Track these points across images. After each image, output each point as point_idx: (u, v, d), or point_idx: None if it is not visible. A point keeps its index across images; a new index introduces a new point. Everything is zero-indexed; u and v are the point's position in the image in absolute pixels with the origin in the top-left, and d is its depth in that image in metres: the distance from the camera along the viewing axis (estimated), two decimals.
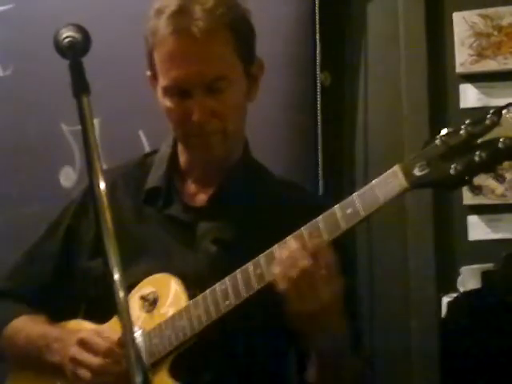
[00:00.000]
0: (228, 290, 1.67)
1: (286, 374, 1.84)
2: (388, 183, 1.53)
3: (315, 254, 1.57)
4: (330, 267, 1.57)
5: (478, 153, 1.46)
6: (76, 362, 1.74)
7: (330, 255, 1.58)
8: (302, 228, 1.62)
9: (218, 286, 1.68)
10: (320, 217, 1.61)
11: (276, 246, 1.64)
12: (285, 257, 1.59)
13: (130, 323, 1.40)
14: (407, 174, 1.52)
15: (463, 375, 2.38)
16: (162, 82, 1.79)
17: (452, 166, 1.48)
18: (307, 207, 1.78)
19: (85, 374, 1.73)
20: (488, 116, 1.46)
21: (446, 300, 2.56)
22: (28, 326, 1.90)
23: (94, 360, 1.72)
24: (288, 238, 1.62)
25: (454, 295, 2.57)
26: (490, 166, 1.46)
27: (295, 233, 1.62)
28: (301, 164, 2.63)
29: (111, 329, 1.73)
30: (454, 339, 2.44)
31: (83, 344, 1.74)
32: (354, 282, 1.91)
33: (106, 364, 1.71)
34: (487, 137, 1.46)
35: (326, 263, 1.57)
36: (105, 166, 1.44)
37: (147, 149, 2.68)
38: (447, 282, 2.65)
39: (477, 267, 2.55)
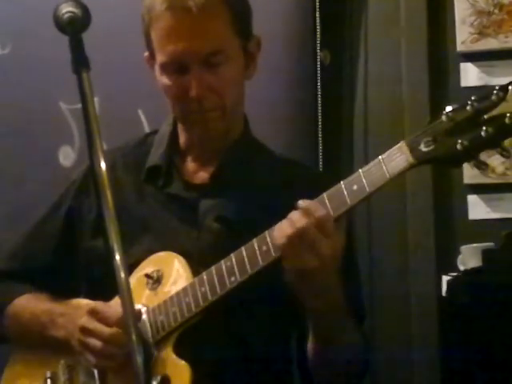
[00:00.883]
0: (234, 267, 1.67)
1: (289, 356, 1.84)
2: (394, 159, 1.53)
3: (311, 213, 1.57)
4: (326, 226, 1.56)
5: (484, 128, 1.45)
6: (86, 331, 1.73)
7: (328, 215, 1.57)
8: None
9: (223, 263, 1.68)
10: (325, 193, 1.60)
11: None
12: (284, 220, 1.60)
13: (131, 303, 1.40)
14: (413, 149, 1.51)
15: (463, 354, 2.39)
16: (160, 58, 1.79)
17: (458, 141, 1.47)
18: (309, 184, 1.78)
19: (95, 343, 1.72)
20: (494, 92, 1.45)
21: (446, 279, 2.56)
22: (32, 304, 1.90)
23: (106, 329, 1.71)
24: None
25: (454, 274, 2.58)
26: (497, 141, 1.46)
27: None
28: (300, 142, 2.63)
29: (116, 305, 1.73)
30: (454, 318, 2.44)
31: (94, 313, 1.74)
32: (354, 261, 1.91)
33: (117, 334, 1.70)
34: (494, 112, 1.45)
35: (323, 222, 1.56)
36: (104, 146, 1.43)
37: (146, 128, 2.68)
38: (447, 260, 2.66)
39: (477, 246, 2.56)
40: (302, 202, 1.58)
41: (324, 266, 1.57)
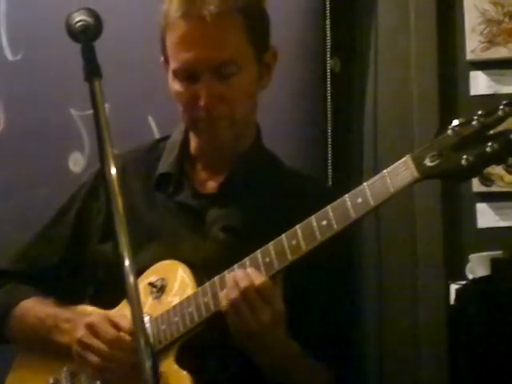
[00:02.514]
0: None
1: None
2: (399, 173, 1.53)
3: (256, 280, 1.63)
4: (266, 293, 1.63)
5: (490, 144, 1.45)
6: (83, 345, 1.75)
7: (267, 282, 1.63)
8: (313, 216, 1.62)
9: (226, 273, 1.69)
10: (329, 206, 1.61)
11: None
12: (229, 281, 1.65)
13: (139, 308, 1.40)
14: (418, 164, 1.52)
15: (471, 362, 2.38)
16: (172, 64, 1.80)
17: (464, 156, 1.48)
18: (316, 196, 1.79)
19: (93, 358, 1.73)
20: (500, 107, 1.46)
21: (454, 287, 2.56)
22: (37, 307, 1.91)
23: (103, 346, 1.72)
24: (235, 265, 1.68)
25: (463, 283, 2.57)
26: (502, 157, 1.46)
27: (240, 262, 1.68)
28: (310, 149, 2.63)
29: (121, 315, 1.73)
30: (463, 326, 2.44)
31: (91, 328, 1.74)
32: (344, 286, 1.91)
33: (113, 352, 1.71)
34: (500, 128, 1.45)
35: (263, 289, 1.63)
36: (115, 152, 1.44)
37: (156, 134, 2.68)
38: (456, 269, 2.65)
39: (485, 255, 2.55)
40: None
41: (264, 331, 1.63)
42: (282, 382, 1.75)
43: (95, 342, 1.73)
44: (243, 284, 1.63)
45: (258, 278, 1.63)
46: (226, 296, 1.64)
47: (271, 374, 1.73)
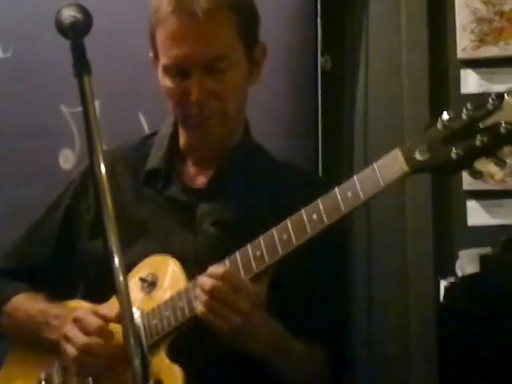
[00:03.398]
0: None
1: None
2: (389, 167, 1.53)
3: (214, 276, 1.63)
4: (233, 282, 1.63)
5: (479, 137, 1.46)
6: (66, 338, 1.75)
7: (229, 271, 1.64)
8: (303, 210, 1.62)
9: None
10: (320, 199, 1.61)
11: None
12: (197, 292, 1.65)
13: (129, 304, 1.41)
14: (408, 157, 1.52)
15: (460, 359, 2.39)
16: (163, 60, 1.80)
17: (453, 150, 1.48)
18: (307, 189, 1.79)
19: (71, 350, 1.74)
20: (490, 101, 1.46)
21: (444, 284, 2.56)
22: (28, 303, 1.91)
23: (81, 338, 1.72)
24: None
25: (452, 279, 2.58)
26: (492, 150, 1.47)
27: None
28: (300, 148, 2.63)
29: (109, 308, 1.73)
30: (452, 323, 2.44)
31: (76, 321, 1.75)
32: (340, 267, 1.91)
33: (92, 343, 1.71)
34: (489, 121, 1.46)
35: (229, 279, 1.63)
36: (104, 148, 1.44)
37: (147, 131, 2.68)
38: (445, 266, 2.66)
39: (475, 251, 2.56)
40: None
41: (247, 319, 1.62)
42: (280, 369, 1.75)
43: (75, 334, 1.73)
44: (208, 285, 1.63)
45: (219, 272, 1.64)
46: (200, 302, 1.64)
47: (267, 362, 1.72)
